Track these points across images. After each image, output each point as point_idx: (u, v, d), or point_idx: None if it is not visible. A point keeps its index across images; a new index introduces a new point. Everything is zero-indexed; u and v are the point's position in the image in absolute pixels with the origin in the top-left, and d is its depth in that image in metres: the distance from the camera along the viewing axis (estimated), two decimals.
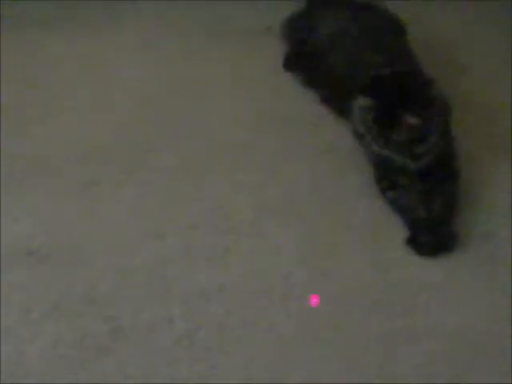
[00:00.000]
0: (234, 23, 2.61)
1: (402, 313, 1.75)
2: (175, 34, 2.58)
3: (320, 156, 2.13)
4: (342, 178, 2.06)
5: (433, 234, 1.90)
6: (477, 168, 2.10)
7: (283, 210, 1.97)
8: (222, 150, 2.14)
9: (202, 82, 2.36)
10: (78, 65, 2.46)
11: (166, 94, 2.33)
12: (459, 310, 1.76)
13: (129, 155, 2.11)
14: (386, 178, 2.00)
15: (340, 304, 1.76)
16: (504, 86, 2.37)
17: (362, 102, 1.95)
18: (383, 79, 1.94)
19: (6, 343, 1.64)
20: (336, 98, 2.21)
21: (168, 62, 2.46)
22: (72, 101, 2.31)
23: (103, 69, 2.44)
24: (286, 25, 2.46)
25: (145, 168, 2.07)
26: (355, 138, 2.11)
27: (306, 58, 2.33)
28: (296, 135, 2.19)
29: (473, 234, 1.93)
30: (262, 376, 1.61)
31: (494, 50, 2.57)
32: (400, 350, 1.67)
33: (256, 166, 2.09)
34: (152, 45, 2.54)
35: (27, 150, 2.12)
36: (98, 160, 2.08)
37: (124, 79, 2.39)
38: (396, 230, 1.93)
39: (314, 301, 1.79)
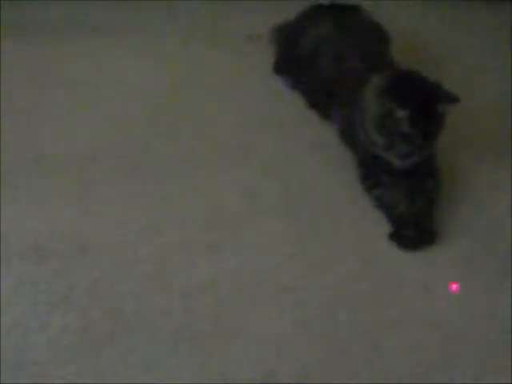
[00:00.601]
0: (229, 30, 2.63)
1: (388, 304, 1.79)
2: (174, 37, 2.61)
3: (309, 156, 2.17)
4: (330, 176, 2.11)
5: (415, 229, 1.95)
6: (455, 165, 2.16)
7: (276, 208, 2.01)
8: (217, 150, 2.18)
9: (197, 85, 2.40)
10: (78, 67, 2.48)
11: (164, 95, 2.36)
12: (442, 301, 1.81)
13: (128, 154, 2.14)
14: (371, 176, 2.05)
15: (329, 296, 1.80)
16: (480, 85, 2.44)
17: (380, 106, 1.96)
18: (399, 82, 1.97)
19: (14, 333, 1.68)
20: (322, 103, 2.26)
21: (166, 65, 2.49)
22: (72, 102, 2.33)
23: (104, 71, 2.47)
24: (276, 32, 2.50)
25: (143, 167, 2.10)
26: (341, 140, 2.18)
27: (294, 64, 2.37)
28: (286, 136, 2.23)
29: (453, 228, 1.99)
30: (254, 367, 1.65)
31: (472, 51, 2.64)
32: (387, 340, 1.71)
33: (250, 165, 2.13)
34: (152, 48, 2.57)
35: (31, 150, 2.15)
36: (99, 159, 2.11)
37: (124, 81, 2.42)
38: (381, 226, 1.98)
39: (454, 286, 1.85)
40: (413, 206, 1.99)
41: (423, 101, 1.93)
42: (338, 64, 2.23)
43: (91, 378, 1.61)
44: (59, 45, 2.57)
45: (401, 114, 1.91)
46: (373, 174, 2.05)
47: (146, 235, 1.92)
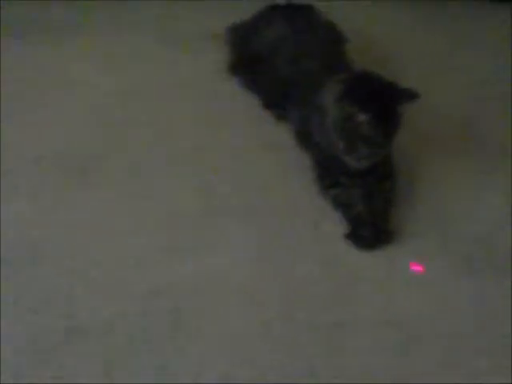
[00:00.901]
0: (181, 30, 2.61)
1: (347, 304, 1.79)
2: (127, 39, 2.58)
3: (264, 156, 2.16)
4: (287, 177, 2.10)
5: (372, 229, 1.94)
6: (413, 165, 2.16)
7: (233, 209, 1.99)
8: (172, 151, 2.15)
9: (151, 86, 2.37)
10: (37, 70, 2.44)
11: (118, 96, 2.33)
12: (399, 301, 1.80)
13: (81, 158, 2.10)
14: (328, 176, 2.04)
15: (288, 298, 1.79)
16: (436, 84, 2.44)
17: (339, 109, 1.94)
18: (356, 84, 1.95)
19: None
20: (277, 104, 2.25)
21: (119, 67, 2.46)
22: (28, 105, 2.29)
23: (58, 74, 2.42)
24: (231, 32, 2.48)
25: (96, 170, 2.07)
26: (296, 140, 2.16)
27: (249, 64, 2.36)
28: (242, 137, 2.21)
29: (410, 228, 1.98)
30: (214, 369, 1.63)
31: (429, 51, 2.65)
32: (347, 340, 1.70)
33: (205, 166, 2.11)
34: (105, 49, 2.53)
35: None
36: (50, 164, 2.07)
37: (75, 81, 2.38)
38: (339, 226, 1.97)
39: (416, 267, 1.87)
40: (370, 205, 1.98)
41: (383, 103, 1.92)
42: (293, 64, 2.22)
43: None
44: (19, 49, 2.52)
45: (362, 118, 1.90)
46: (329, 174, 2.04)
47: (101, 239, 1.88)
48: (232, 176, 2.09)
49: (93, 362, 1.62)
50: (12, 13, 2.64)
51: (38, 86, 2.34)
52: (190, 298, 1.77)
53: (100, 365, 1.61)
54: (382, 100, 1.92)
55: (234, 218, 1.97)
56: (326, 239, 1.95)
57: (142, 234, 1.91)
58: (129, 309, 1.73)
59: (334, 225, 1.98)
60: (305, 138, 2.13)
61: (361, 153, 1.93)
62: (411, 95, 1.94)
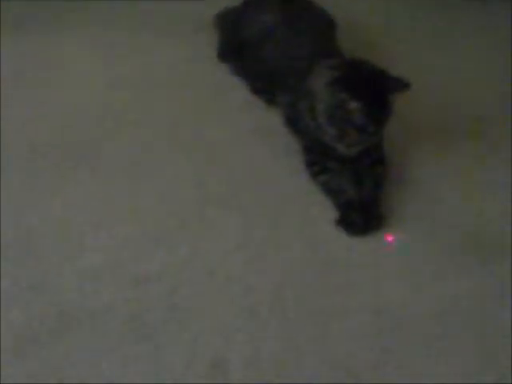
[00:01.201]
0: (174, 18, 2.60)
1: (334, 290, 1.79)
2: (121, 31, 2.56)
3: (255, 143, 2.16)
4: (276, 163, 2.10)
5: (362, 215, 1.94)
6: (403, 152, 2.16)
7: (223, 196, 2.00)
8: (164, 139, 2.15)
9: (144, 76, 2.37)
10: (30, 62, 2.42)
11: (112, 87, 2.32)
12: (387, 287, 1.81)
13: (75, 148, 2.10)
14: (318, 162, 2.04)
15: (276, 283, 1.79)
16: (423, 72, 2.41)
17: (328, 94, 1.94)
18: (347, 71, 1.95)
19: None
20: (266, 89, 2.25)
21: (115, 58, 2.44)
22: (18, 98, 2.27)
23: (54, 66, 2.41)
24: (220, 18, 2.47)
25: (91, 160, 2.07)
26: (286, 125, 2.16)
27: (239, 50, 2.35)
28: (232, 123, 2.21)
29: (398, 214, 1.99)
30: (205, 354, 1.64)
31: (415, 38, 2.64)
32: (334, 326, 1.71)
33: (196, 154, 2.11)
34: (101, 42, 2.51)
35: None
36: (46, 155, 2.07)
37: (70, 73, 2.37)
38: (327, 212, 1.97)
39: (390, 238, 1.90)
40: (360, 191, 1.99)
41: (375, 91, 1.92)
42: (282, 50, 2.21)
43: (39, 375, 1.58)
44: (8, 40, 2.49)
45: (354, 105, 1.89)
46: (319, 160, 2.04)
47: (94, 228, 1.88)
48: (222, 163, 2.09)
49: (85, 348, 1.63)
50: (11, 8, 2.62)
51: (36, 79, 2.33)
52: (180, 285, 1.77)
53: (89, 355, 1.62)
54: (373, 88, 1.92)
55: (224, 205, 1.97)
56: (315, 225, 1.95)
57: (134, 223, 1.91)
58: (120, 296, 1.73)
59: (323, 210, 1.98)
60: (294, 123, 2.13)
61: (351, 140, 1.93)
62: (403, 85, 1.94)
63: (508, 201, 2.05)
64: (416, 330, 1.72)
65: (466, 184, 2.10)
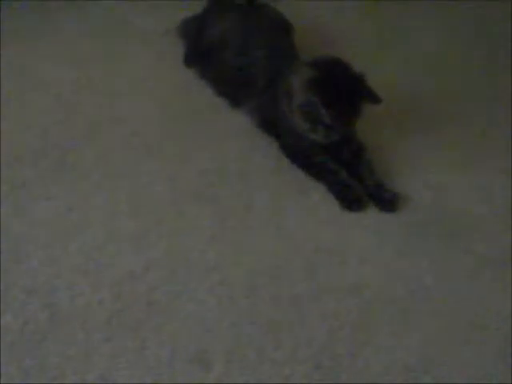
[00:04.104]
0: (134, 27, 2.54)
1: (307, 274, 1.78)
2: (92, 39, 2.50)
3: (224, 142, 2.13)
4: (246, 160, 2.08)
5: (379, 198, 1.96)
6: (379, 142, 2.15)
7: (196, 195, 1.97)
8: (135, 143, 2.11)
9: (111, 82, 2.31)
10: (11, 72, 2.33)
11: (80, 94, 2.27)
12: (357, 268, 1.81)
13: (51, 154, 2.05)
14: (303, 157, 2.03)
15: (251, 273, 1.78)
16: (384, 68, 2.40)
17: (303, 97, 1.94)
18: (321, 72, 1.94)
19: None
20: (230, 92, 2.22)
21: (79, 65, 2.38)
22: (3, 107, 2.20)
23: (27, 74, 2.34)
24: (183, 25, 2.43)
25: (66, 165, 2.02)
26: (260, 126, 2.14)
27: (203, 56, 2.31)
28: (201, 125, 2.18)
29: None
30: (189, 344, 1.62)
31: (369, 38, 2.61)
32: (308, 310, 1.70)
33: (169, 154, 2.08)
34: (68, 49, 2.45)
35: None
36: (26, 162, 2.02)
37: (45, 83, 2.30)
38: (295, 202, 1.96)
39: None
40: (365, 180, 1.99)
41: (347, 95, 1.92)
42: (241, 54, 2.18)
43: (33, 374, 1.55)
44: None
45: (323, 111, 1.91)
46: (303, 154, 2.03)
47: (75, 230, 1.85)
48: (194, 162, 2.06)
49: (76, 345, 1.60)
50: None
51: (13, 87, 2.26)
52: (160, 280, 1.75)
53: (79, 351, 1.59)
54: (345, 93, 1.92)
55: (198, 201, 1.95)
56: (283, 214, 1.94)
57: (115, 223, 1.88)
58: (106, 293, 1.71)
59: (290, 200, 1.97)
60: (271, 123, 2.11)
61: (322, 135, 1.95)
62: (374, 98, 1.95)
63: (468, 177, 2.07)
64: (387, 306, 1.72)
65: (426, 163, 2.11)
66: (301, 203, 1.96)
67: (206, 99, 2.25)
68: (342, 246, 1.86)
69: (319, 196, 1.98)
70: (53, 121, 2.17)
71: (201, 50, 2.32)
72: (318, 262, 1.82)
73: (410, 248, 1.86)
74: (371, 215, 1.95)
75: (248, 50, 2.18)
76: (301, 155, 2.04)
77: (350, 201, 1.94)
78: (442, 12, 2.76)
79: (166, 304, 1.70)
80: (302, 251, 1.84)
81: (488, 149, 2.17)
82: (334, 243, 1.87)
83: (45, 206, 1.91)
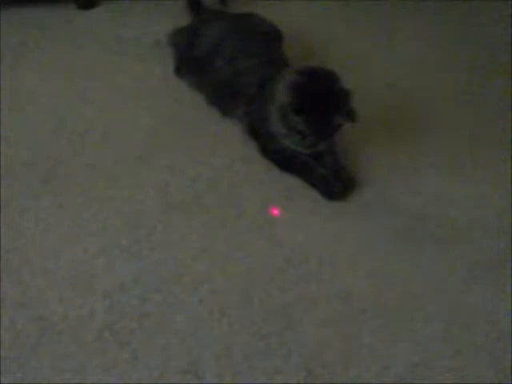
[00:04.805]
0: (123, 38, 2.51)
1: (297, 283, 1.77)
2: (79, 52, 2.47)
3: (215, 151, 2.11)
4: (236, 170, 2.06)
5: (337, 182, 1.99)
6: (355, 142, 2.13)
7: (186, 205, 1.95)
8: (125, 155, 2.09)
9: (101, 94, 2.29)
10: None
11: (69, 105, 2.25)
12: (347, 274, 1.80)
13: (42, 166, 2.03)
14: (289, 160, 2.03)
15: (241, 282, 1.77)
16: (371, 70, 2.41)
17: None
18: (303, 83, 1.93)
19: None
20: (221, 101, 2.20)
21: (69, 77, 2.35)
22: None
23: (16, 87, 2.31)
24: (173, 36, 2.40)
25: (57, 177, 2.00)
26: (248, 133, 2.13)
27: (193, 66, 2.29)
28: (191, 134, 2.16)
29: (352, 207, 1.98)
30: (180, 355, 1.61)
31: (358, 43, 2.58)
32: (299, 317, 1.69)
33: (158, 166, 2.05)
34: (59, 63, 2.41)
35: None
36: (16, 174, 2.00)
37: (34, 95, 2.28)
38: (284, 210, 1.95)
39: (275, 212, 1.91)
40: (328, 165, 2.01)
41: (323, 108, 1.91)
42: (232, 63, 2.17)
43: None
44: None
45: (297, 119, 1.90)
46: (289, 158, 2.03)
47: (66, 243, 1.83)
48: (183, 172, 2.04)
49: (67, 358, 1.59)
50: None
51: (2, 100, 2.23)
52: (151, 291, 1.73)
53: (70, 364, 1.58)
54: (322, 105, 1.90)
55: (187, 211, 1.93)
56: (272, 223, 1.92)
57: (105, 234, 1.86)
58: (97, 306, 1.69)
59: (281, 210, 1.95)
60: (257, 130, 2.10)
61: (297, 142, 1.95)
62: (351, 118, 1.93)
63: (458, 182, 2.06)
64: (377, 313, 1.71)
65: (415, 169, 2.10)
66: (291, 212, 1.95)
67: (196, 109, 2.23)
68: (333, 253, 1.85)
69: (309, 204, 1.97)
70: (43, 133, 2.15)
71: (191, 60, 2.30)
72: (308, 270, 1.80)
73: (400, 255, 1.85)
74: (362, 223, 1.93)
75: (238, 58, 2.16)
76: (281, 158, 2.04)
77: (334, 193, 1.97)
78: (428, 14, 2.75)
79: (157, 315, 1.68)
80: (293, 260, 1.82)
81: (476, 153, 2.16)
82: (324, 251, 1.85)
83: (35, 218, 1.89)
